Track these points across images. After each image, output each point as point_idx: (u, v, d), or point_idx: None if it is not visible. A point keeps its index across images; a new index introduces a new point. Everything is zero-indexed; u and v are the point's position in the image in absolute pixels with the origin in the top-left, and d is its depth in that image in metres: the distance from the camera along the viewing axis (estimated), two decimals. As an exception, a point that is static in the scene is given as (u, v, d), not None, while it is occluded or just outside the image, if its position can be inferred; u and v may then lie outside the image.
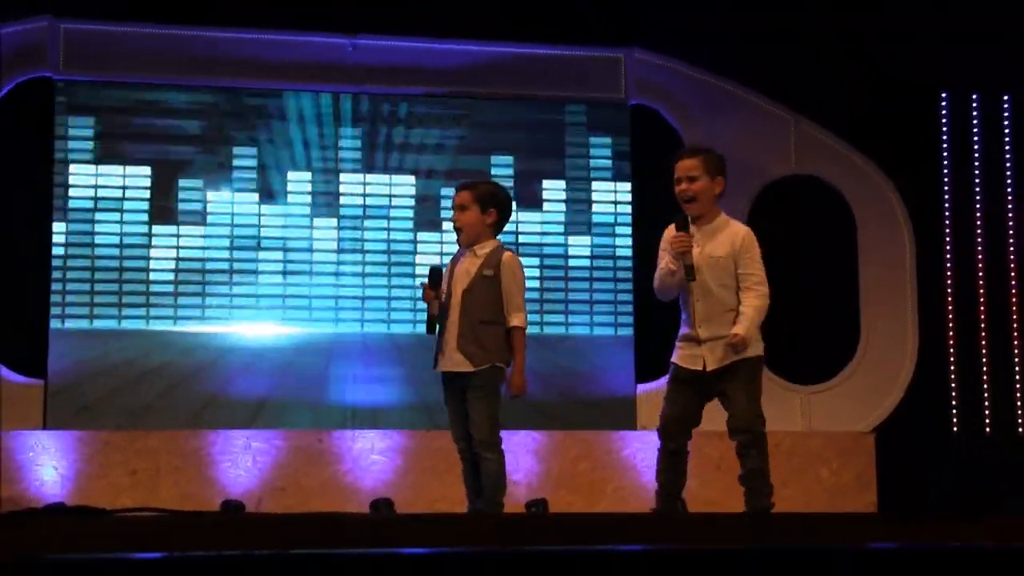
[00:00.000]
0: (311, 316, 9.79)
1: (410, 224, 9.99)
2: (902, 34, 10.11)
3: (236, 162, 9.83)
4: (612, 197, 10.18)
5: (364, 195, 9.95)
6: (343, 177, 9.94)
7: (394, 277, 9.88)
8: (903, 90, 10.35)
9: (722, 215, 6.73)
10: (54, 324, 9.45)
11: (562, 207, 10.20)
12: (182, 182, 9.76)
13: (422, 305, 7.03)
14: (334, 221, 9.92)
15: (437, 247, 9.84)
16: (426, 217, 9.98)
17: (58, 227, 9.51)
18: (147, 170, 9.70)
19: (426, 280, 6.86)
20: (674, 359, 6.74)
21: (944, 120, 10.55)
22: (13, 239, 9.42)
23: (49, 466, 9.03)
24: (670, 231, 6.63)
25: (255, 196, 9.83)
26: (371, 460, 9.31)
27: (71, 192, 9.58)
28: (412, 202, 10.00)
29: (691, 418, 6.74)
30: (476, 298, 6.80)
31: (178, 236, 9.70)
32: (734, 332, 6.63)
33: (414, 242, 9.97)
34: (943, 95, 10.53)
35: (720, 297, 6.67)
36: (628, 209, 10.16)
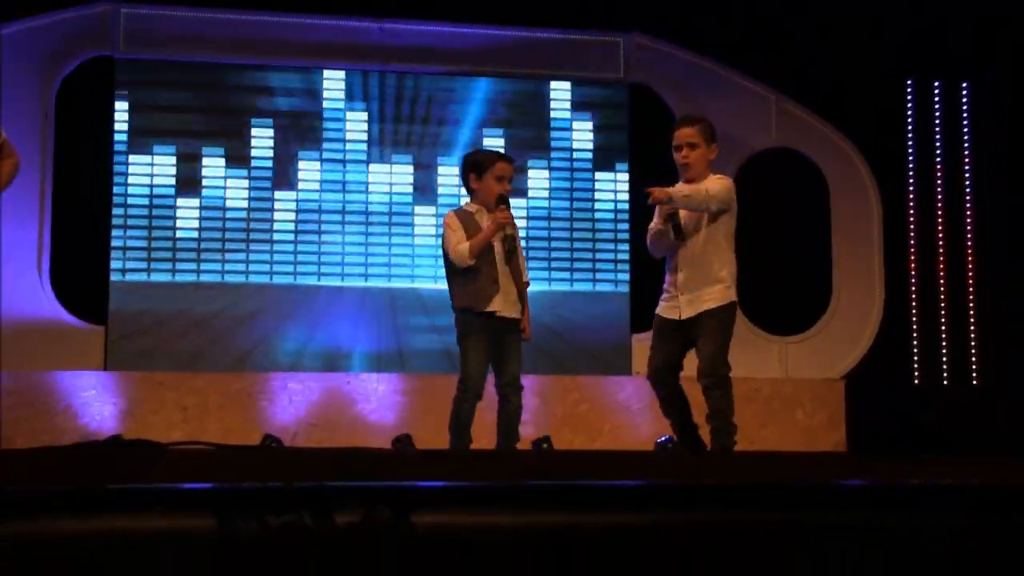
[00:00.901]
0: (343, 271, 9.79)
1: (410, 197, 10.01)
2: (876, 23, 10.09)
3: (254, 143, 9.85)
4: (612, 166, 10.17)
5: (390, 174, 9.96)
6: (371, 158, 9.97)
7: (417, 237, 9.89)
8: (875, 74, 10.32)
9: (711, 175, 6.72)
10: (114, 276, 9.48)
11: (568, 175, 10.19)
12: (214, 152, 9.77)
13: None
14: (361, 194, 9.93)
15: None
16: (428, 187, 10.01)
17: (118, 190, 9.53)
18: (193, 141, 9.72)
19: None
20: (657, 311, 6.77)
21: (910, 102, 10.55)
22: (79, 199, 9.44)
23: (109, 403, 9.07)
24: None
25: (287, 164, 9.84)
26: (393, 400, 9.34)
27: (131, 159, 9.58)
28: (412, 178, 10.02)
29: (675, 364, 6.76)
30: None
31: (224, 200, 9.71)
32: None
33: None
34: (909, 80, 10.52)
35: (703, 256, 6.68)
36: (626, 176, 10.16)
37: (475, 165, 6.98)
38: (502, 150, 8.92)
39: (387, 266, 9.85)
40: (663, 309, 6.72)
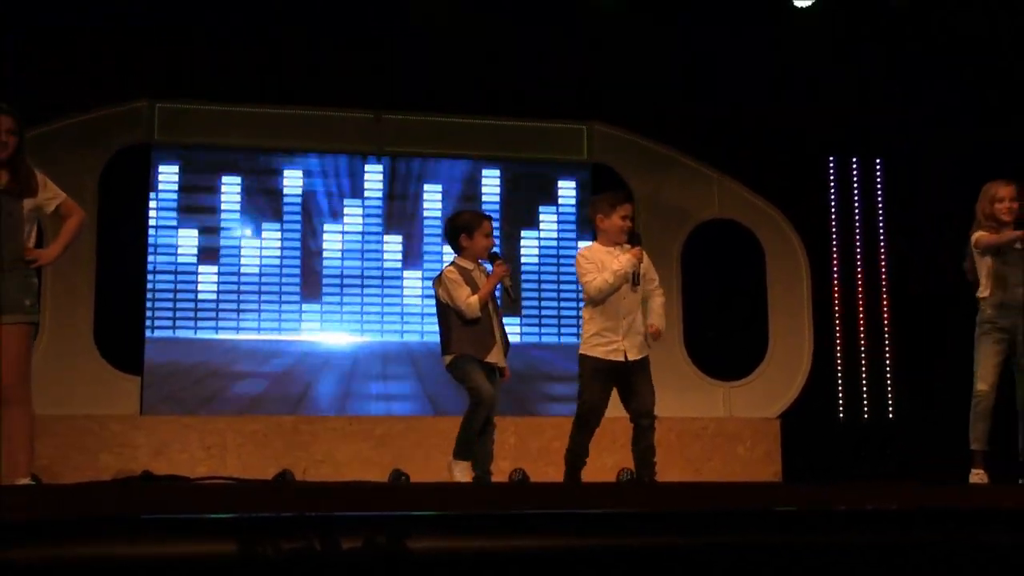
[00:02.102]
0: (341, 327, 9.78)
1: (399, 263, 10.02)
2: (802, 111, 10.14)
3: (265, 217, 9.86)
4: (575, 234, 10.18)
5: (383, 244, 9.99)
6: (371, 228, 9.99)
7: (406, 296, 9.90)
8: (802, 154, 10.39)
9: None
10: (148, 334, 9.46)
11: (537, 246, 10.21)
12: (230, 219, 9.78)
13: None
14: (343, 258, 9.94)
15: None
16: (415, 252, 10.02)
17: (150, 259, 9.52)
18: (213, 216, 9.73)
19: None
20: (592, 353, 6.63)
21: (832, 177, 10.60)
22: (117, 269, 9.43)
23: (142, 443, 9.03)
24: (602, 251, 6.75)
25: (297, 235, 9.85)
26: (389, 439, 9.32)
27: (160, 233, 9.59)
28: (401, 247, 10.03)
29: (607, 403, 6.71)
30: None
31: (239, 267, 9.71)
32: (652, 323, 6.64)
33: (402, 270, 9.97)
34: (831, 158, 10.58)
35: (638, 300, 6.68)
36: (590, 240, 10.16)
37: (465, 226, 6.87)
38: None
39: (379, 323, 9.83)
40: (605, 353, 6.58)
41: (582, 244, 9.10)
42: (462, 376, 6.72)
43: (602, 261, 6.67)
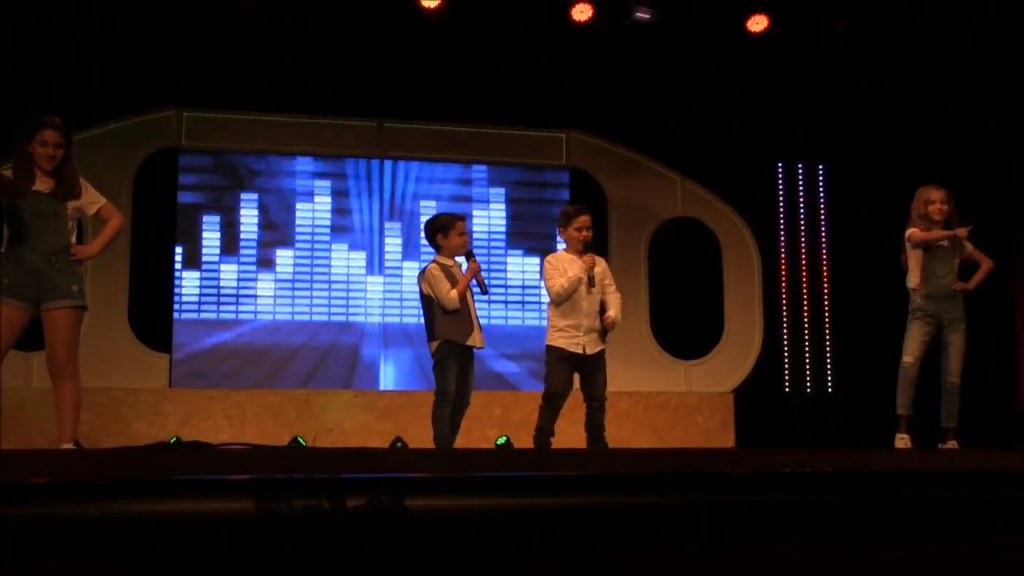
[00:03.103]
0: (348, 311, 9.77)
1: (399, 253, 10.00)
2: (754, 123, 10.17)
3: (279, 212, 9.84)
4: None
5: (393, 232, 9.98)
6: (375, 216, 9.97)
7: (406, 279, 9.89)
8: (754, 160, 10.40)
9: None
10: (176, 316, 9.46)
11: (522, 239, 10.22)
12: (250, 219, 9.78)
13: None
14: (361, 252, 9.93)
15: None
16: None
17: (178, 250, 9.52)
18: (234, 212, 9.72)
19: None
20: (557, 344, 6.67)
21: (780, 180, 10.62)
22: (148, 259, 9.42)
23: (172, 413, 9.03)
24: (566, 259, 6.76)
25: (307, 223, 9.84)
26: (390, 410, 9.31)
27: (186, 227, 9.58)
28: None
29: (570, 387, 6.76)
30: None
31: (257, 256, 9.70)
32: (608, 315, 6.68)
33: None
34: (780, 164, 10.60)
35: (595, 302, 6.71)
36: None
37: (442, 227, 6.88)
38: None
39: (381, 306, 9.83)
40: (568, 345, 6.63)
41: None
42: (440, 369, 6.73)
43: (565, 267, 6.72)
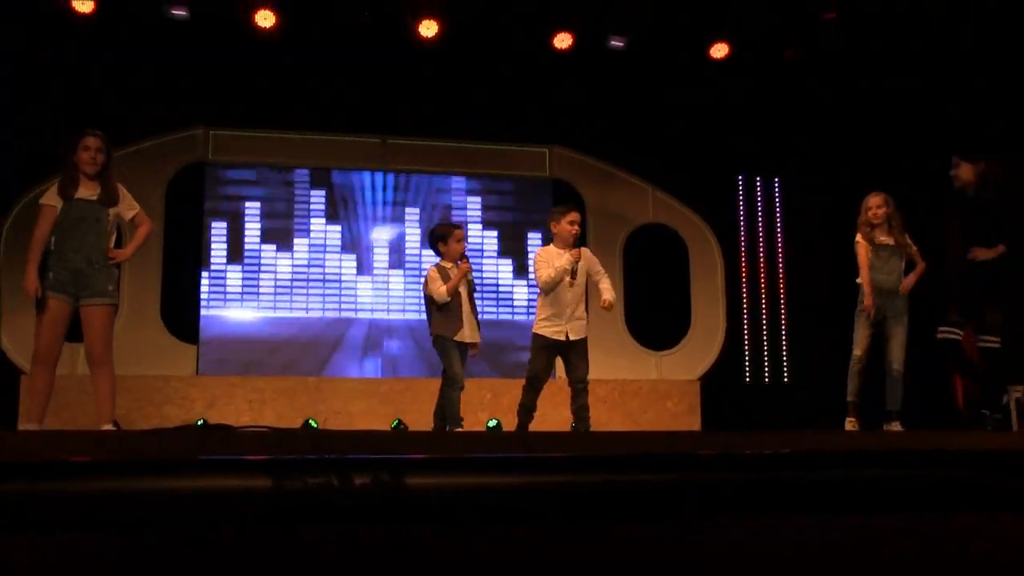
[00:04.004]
0: (355, 306, 9.77)
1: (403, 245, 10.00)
2: (717, 140, 10.20)
3: (295, 219, 9.82)
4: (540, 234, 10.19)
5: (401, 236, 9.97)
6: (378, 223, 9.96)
7: (407, 279, 9.87)
8: (717, 172, 10.44)
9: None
10: (202, 311, 9.44)
11: (508, 243, 10.21)
12: (272, 226, 9.75)
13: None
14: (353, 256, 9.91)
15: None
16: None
17: (204, 253, 9.50)
18: (256, 218, 9.70)
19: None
20: (541, 332, 6.67)
21: (740, 190, 10.64)
22: (178, 261, 9.41)
23: (198, 398, 9.02)
24: (555, 252, 6.73)
25: (322, 224, 9.82)
26: (392, 396, 9.31)
27: (214, 230, 9.57)
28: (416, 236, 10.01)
29: (550, 371, 6.76)
30: None
31: (276, 256, 9.69)
32: (604, 298, 6.67)
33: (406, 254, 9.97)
34: (740, 176, 10.62)
35: (579, 294, 6.71)
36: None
37: (441, 236, 6.94)
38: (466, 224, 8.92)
39: (386, 301, 9.82)
40: (552, 333, 6.62)
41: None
42: (442, 354, 6.76)
43: (552, 260, 6.70)
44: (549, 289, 6.65)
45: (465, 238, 7.04)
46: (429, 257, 9.64)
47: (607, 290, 6.72)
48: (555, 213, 6.90)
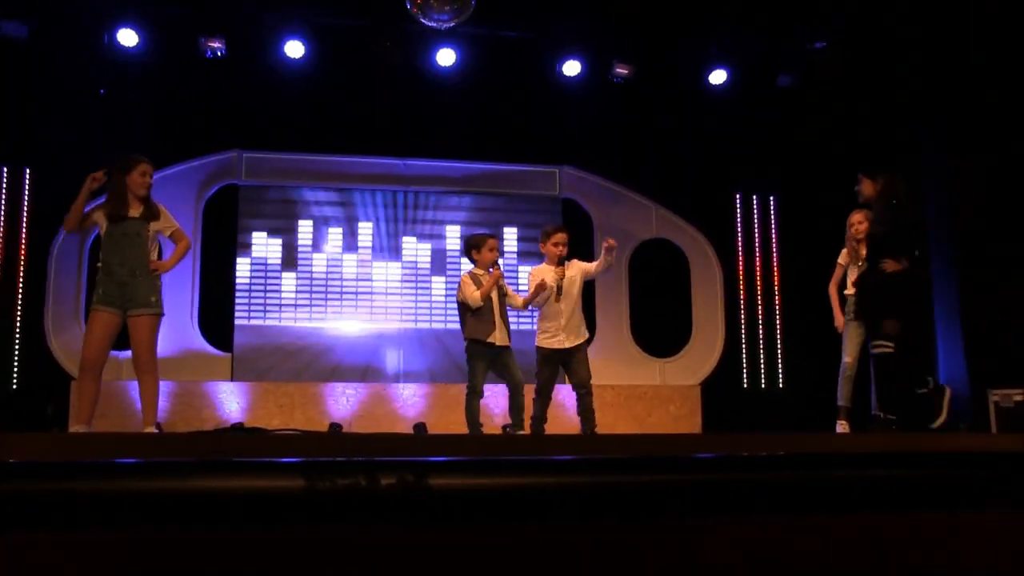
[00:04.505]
0: (379, 316, 9.78)
1: (428, 267, 10.01)
2: (715, 161, 10.19)
3: (327, 234, 9.84)
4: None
5: (416, 250, 9.98)
6: (403, 239, 9.98)
7: (419, 293, 9.89)
8: (716, 190, 10.42)
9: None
10: (236, 322, 9.47)
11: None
12: (303, 241, 9.78)
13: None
14: (397, 264, 9.93)
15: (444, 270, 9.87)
16: (439, 259, 10.00)
17: (238, 268, 9.53)
18: (288, 235, 9.73)
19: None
20: (542, 344, 6.72)
21: (738, 207, 10.60)
22: (214, 275, 9.45)
23: (233, 402, 9.04)
24: (546, 271, 6.80)
25: (339, 244, 9.85)
26: (413, 401, 9.32)
27: (245, 248, 9.60)
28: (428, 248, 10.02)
29: (555, 380, 6.77)
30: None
31: (312, 269, 9.71)
32: (608, 240, 6.76)
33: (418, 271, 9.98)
34: (737, 194, 10.59)
35: (571, 305, 6.72)
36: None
37: (475, 244, 6.95)
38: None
39: (414, 311, 9.83)
40: (550, 343, 6.69)
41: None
42: (469, 365, 6.78)
43: (542, 275, 6.79)
44: (537, 307, 6.79)
45: (498, 248, 7.04)
46: (453, 269, 9.68)
47: (603, 256, 6.83)
48: (544, 235, 7.01)
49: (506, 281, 7.10)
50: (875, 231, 6.77)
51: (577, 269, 6.90)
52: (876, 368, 6.69)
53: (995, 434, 7.03)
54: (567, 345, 6.66)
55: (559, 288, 6.68)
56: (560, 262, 6.79)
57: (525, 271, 10.02)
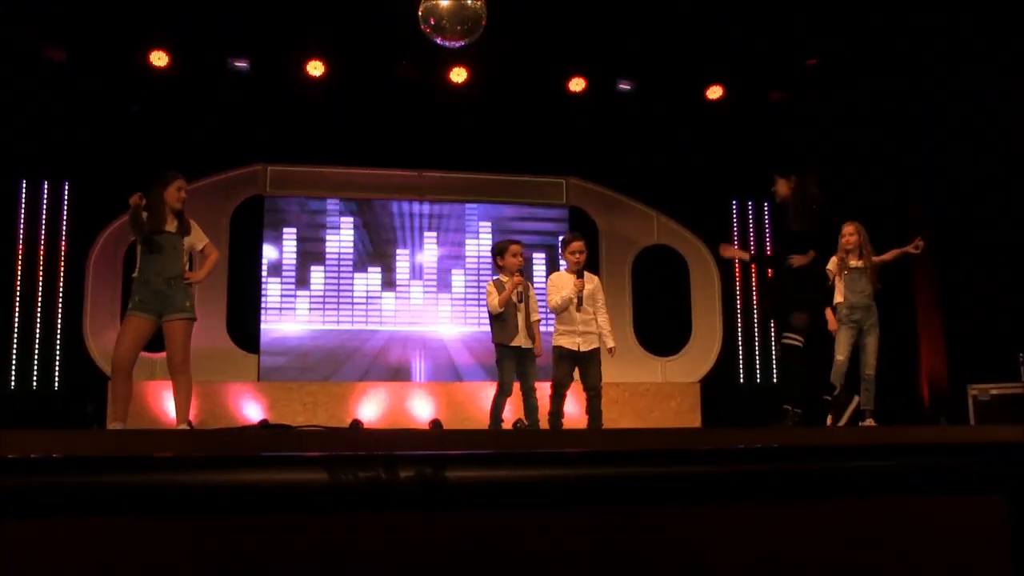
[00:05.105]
0: (395, 319, 9.80)
1: (436, 265, 10.02)
2: (712, 169, 10.18)
3: (345, 240, 9.86)
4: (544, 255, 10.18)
5: (437, 257, 10.00)
6: (425, 246, 9.99)
7: (440, 296, 9.90)
8: (713, 197, 10.42)
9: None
10: (262, 324, 9.49)
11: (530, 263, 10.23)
12: (329, 248, 9.79)
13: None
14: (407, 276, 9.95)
15: (461, 278, 9.88)
16: (453, 268, 10.01)
17: (264, 274, 9.56)
18: (309, 242, 9.75)
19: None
20: (559, 343, 6.69)
21: (734, 214, 10.58)
22: (242, 281, 9.49)
23: (260, 401, 9.07)
24: (565, 278, 6.75)
25: (362, 253, 9.86)
26: (429, 398, 9.34)
27: (270, 255, 9.63)
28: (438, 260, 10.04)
29: (571, 378, 6.74)
30: None
31: (339, 274, 9.73)
32: (610, 347, 6.71)
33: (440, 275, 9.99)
34: (734, 201, 10.54)
35: (589, 312, 6.70)
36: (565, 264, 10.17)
37: (500, 250, 6.88)
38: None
39: (432, 315, 9.85)
40: (566, 343, 6.66)
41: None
42: (499, 366, 6.73)
43: (562, 285, 6.75)
44: (558, 312, 6.71)
45: (522, 253, 6.99)
46: (472, 274, 9.68)
47: (608, 337, 6.75)
48: (562, 244, 6.99)
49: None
50: (788, 227, 6.89)
51: (595, 289, 6.86)
52: (781, 360, 6.77)
53: (974, 425, 7.02)
54: (583, 349, 6.66)
55: (579, 300, 6.66)
56: (579, 271, 6.76)
57: (540, 278, 10.12)
